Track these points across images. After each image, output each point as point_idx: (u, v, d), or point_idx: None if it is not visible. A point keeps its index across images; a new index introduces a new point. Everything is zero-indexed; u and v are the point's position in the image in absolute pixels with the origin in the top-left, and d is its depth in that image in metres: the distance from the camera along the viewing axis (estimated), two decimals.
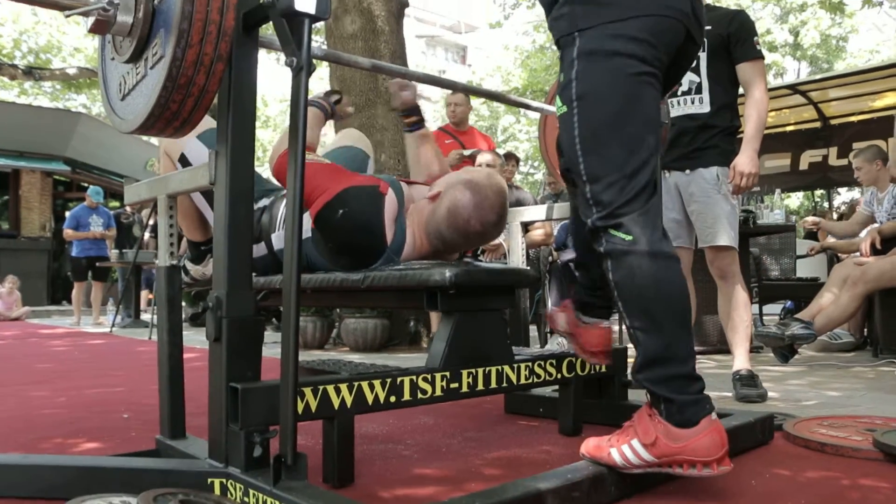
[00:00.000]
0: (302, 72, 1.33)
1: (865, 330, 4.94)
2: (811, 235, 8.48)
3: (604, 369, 2.15)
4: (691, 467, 1.44)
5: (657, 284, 1.47)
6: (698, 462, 1.43)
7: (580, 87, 1.52)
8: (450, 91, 5.08)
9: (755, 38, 2.93)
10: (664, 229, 1.56)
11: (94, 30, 1.38)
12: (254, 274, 2.14)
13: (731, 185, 2.85)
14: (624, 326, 1.56)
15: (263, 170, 2.61)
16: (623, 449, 1.50)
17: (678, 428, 1.44)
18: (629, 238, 1.48)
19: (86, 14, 1.36)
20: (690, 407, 1.44)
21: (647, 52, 1.51)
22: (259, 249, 2.07)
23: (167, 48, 1.30)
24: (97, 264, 9.22)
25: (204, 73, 1.32)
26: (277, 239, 2.05)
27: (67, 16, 1.37)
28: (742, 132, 2.92)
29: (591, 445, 1.56)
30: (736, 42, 2.91)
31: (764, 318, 6.12)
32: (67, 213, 9.80)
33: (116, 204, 14.35)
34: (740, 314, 2.95)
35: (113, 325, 8.19)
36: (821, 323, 3.79)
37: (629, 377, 2.13)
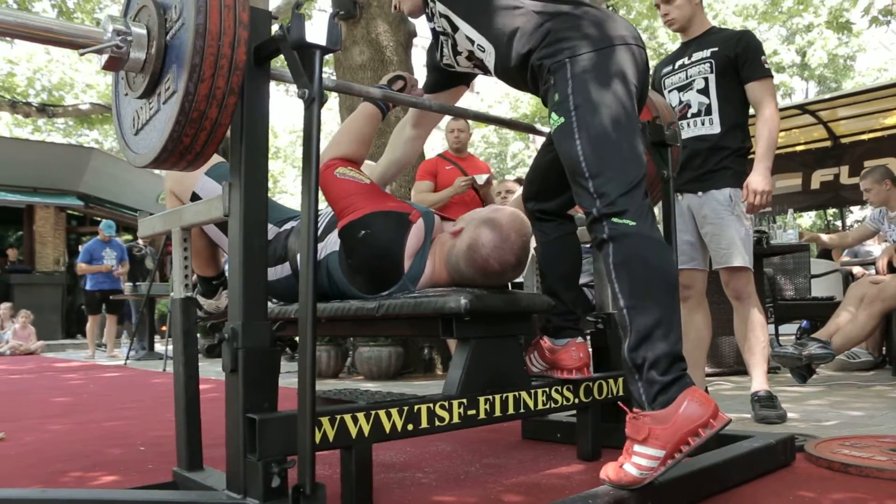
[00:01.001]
0: (314, 103, 1.35)
1: (884, 348, 4.89)
2: (825, 254, 8.43)
3: (621, 393, 2.13)
4: (696, 437, 1.47)
5: (656, 264, 1.57)
6: (697, 428, 1.47)
7: (577, 99, 1.65)
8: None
9: (763, 58, 2.94)
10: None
11: (107, 67, 1.40)
12: (275, 299, 2.15)
13: (746, 204, 2.85)
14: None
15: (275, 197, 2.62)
16: (634, 460, 1.51)
17: (661, 410, 1.49)
18: (632, 223, 1.58)
19: (100, 52, 1.38)
20: (670, 387, 1.50)
21: (630, 73, 1.71)
22: (283, 270, 2.07)
23: (179, 83, 1.31)
24: (111, 297, 9.29)
25: (216, 107, 1.34)
26: None
27: (82, 54, 1.39)
28: (754, 153, 2.92)
29: (609, 470, 1.56)
30: (744, 62, 2.92)
31: (780, 338, 6.07)
32: (81, 248, 9.89)
33: (129, 237, 14.46)
34: (757, 335, 2.93)
35: (127, 358, 8.21)
36: (838, 342, 3.76)
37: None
